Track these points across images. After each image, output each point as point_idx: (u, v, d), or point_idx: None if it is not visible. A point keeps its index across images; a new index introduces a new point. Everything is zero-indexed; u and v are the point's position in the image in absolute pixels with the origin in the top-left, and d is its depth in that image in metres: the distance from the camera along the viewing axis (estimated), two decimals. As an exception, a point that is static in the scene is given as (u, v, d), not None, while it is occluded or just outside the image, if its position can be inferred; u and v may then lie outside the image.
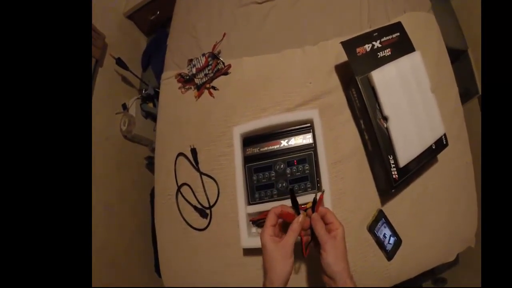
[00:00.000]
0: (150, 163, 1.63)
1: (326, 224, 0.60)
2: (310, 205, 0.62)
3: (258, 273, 0.88)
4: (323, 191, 0.63)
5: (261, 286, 0.58)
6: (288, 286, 0.58)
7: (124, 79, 1.61)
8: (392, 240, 0.85)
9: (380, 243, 0.85)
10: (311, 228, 0.60)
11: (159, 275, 1.01)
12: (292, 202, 0.61)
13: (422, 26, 1.05)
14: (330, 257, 0.55)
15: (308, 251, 0.61)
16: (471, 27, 1.31)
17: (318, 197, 0.61)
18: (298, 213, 0.60)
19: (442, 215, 0.90)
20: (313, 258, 0.69)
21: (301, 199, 0.82)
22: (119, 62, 1.43)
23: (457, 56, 1.34)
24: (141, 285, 1.43)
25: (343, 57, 0.87)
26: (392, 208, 0.89)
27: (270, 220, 0.59)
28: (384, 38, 0.88)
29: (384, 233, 0.85)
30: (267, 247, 0.56)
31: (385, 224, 0.86)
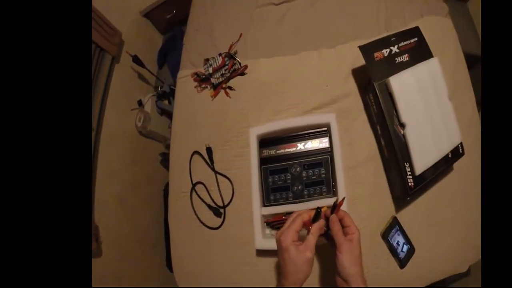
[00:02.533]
0: (164, 159, 1.66)
1: (343, 227, 0.61)
2: (325, 208, 0.63)
3: (270, 274, 0.89)
4: (344, 198, 0.64)
5: (275, 286, 0.59)
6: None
7: (140, 76, 1.63)
8: (405, 248, 0.85)
9: (393, 250, 0.85)
10: (328, 229, 0.61)
11: (171, 270, 1.03)
12: (314, 219, 0.61)
13: (439, 31, 1.04)
14: (345, 260, 0.57)
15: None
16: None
17: (338, 202, 0.62)
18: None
19: (455, 225, 0.90)
20: (327, 259, 0.70)
21: (316, 203, 0.84)
22: (136, 59, 1.45)
23: (473, 62, 1.32)
24: (152, 279, 1.46)
25: (360, 61, 0.88)
26: (406, 216, 0.89)
27: (298, 225, 0.59)
28: (402, 43, 0.88)
29: (398, 241, 0.85)
30: (291, 251, 0.57)
31: (399, 232, 0.86)
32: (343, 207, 0.80)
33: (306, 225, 0.60)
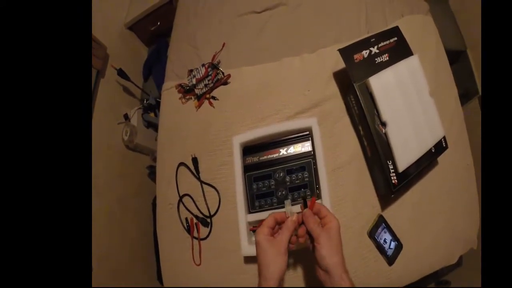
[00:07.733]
0: (152, 173, 1.65)
1: (320, 218, 0.61)
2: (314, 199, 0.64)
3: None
4: (315, 196, 0.65)
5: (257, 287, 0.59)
6: (284, 285, 0.58)
7: (126, 90, 1.63)
8: (392, 244, 0.85)
9: (380, 248, 0.85)
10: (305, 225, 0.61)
11: (161, 283, 1.01)
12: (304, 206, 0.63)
13: (420, 29, 1.05)
14: (325, 249, 0.56)
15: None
16: (470, 26, 1.31)
17: (310, 199, 0.63)
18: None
19: (443, 218, 0.89)
20: (310, 256, 0.70)
21: (300, 207, 0.83)
22: (121, 72, 1.45)
23: (456, 57, 1.33)
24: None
25: (341, 64, 0.88)
26: (392, 213, 0.88)
27: (268, 222, 0.61)
28: (382, 44, 0.88)
29: (385, 238, 0.85)
30: (261, 245, 0.58)
31: (385, 229, 0.86)
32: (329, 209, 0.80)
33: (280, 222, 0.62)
